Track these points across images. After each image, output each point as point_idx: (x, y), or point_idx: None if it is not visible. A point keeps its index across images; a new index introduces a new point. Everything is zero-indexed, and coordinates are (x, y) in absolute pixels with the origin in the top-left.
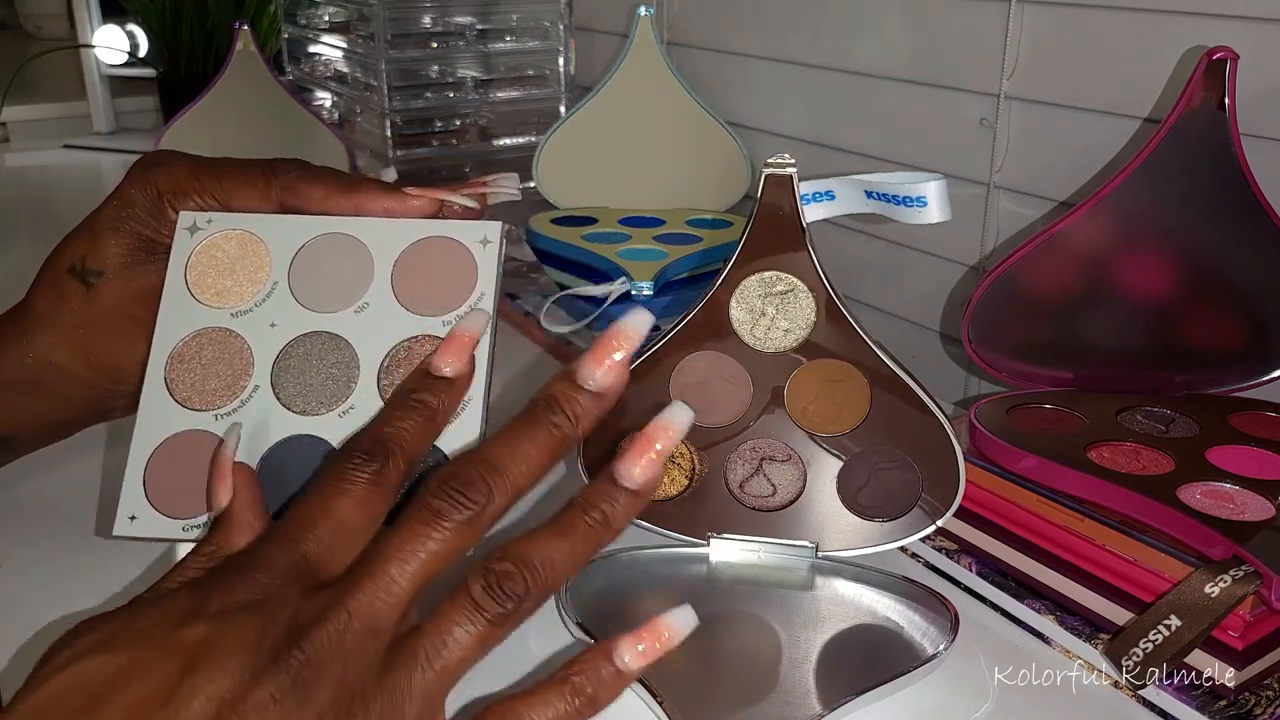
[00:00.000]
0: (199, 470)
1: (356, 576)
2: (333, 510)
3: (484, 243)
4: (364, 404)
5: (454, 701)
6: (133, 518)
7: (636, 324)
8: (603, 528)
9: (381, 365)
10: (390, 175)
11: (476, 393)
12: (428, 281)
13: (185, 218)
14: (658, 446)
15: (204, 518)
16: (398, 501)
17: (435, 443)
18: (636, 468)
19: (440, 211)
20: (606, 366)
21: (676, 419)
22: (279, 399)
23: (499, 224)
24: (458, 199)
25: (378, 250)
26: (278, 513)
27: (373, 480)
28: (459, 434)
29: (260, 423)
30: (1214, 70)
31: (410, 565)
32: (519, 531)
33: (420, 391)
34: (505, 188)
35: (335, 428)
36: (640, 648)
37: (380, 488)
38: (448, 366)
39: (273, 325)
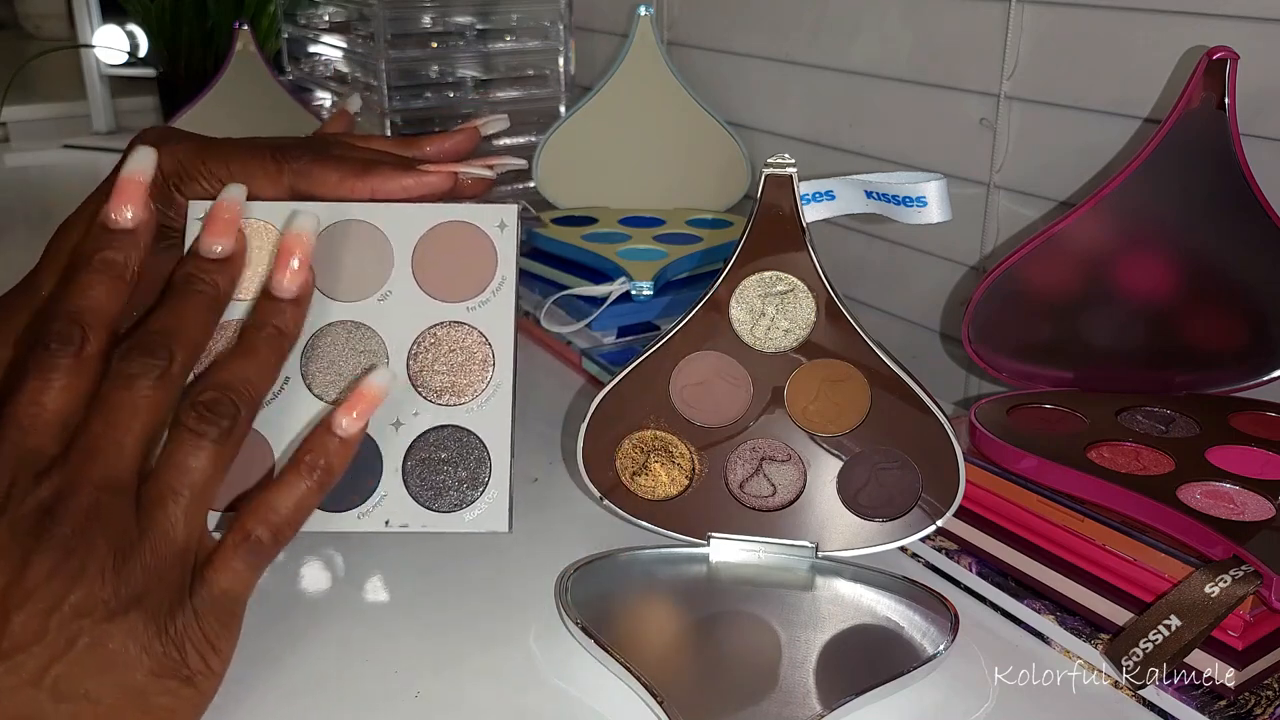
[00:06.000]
0: (237, 461)
1: (84, 450)
2: (43, 407)
3: (501, 227)
4: (395, 392)
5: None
6: None
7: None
8: (280, 338)
9: (410, 352)
10: (355, 104)
11: (505, 376)
12: (448, 267)
13: (196, 207)
14: (296, 257)
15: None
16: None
17: (467, 426)
18: (285, 279)
19: (455, 186)
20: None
21: (303, 227)
22: (310, 390)
23: (514, 207)
24: (473, 170)
25: (395, 236)
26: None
27: (74, 364)
28: (490, 416)
29: (293, 413)
30: (1214, 70)
31: (128, 425)
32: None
33: (103, 250)
34: (511, 158)
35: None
36: (354, 414)
37: (84, 366)
38: (219, 246)
39: None
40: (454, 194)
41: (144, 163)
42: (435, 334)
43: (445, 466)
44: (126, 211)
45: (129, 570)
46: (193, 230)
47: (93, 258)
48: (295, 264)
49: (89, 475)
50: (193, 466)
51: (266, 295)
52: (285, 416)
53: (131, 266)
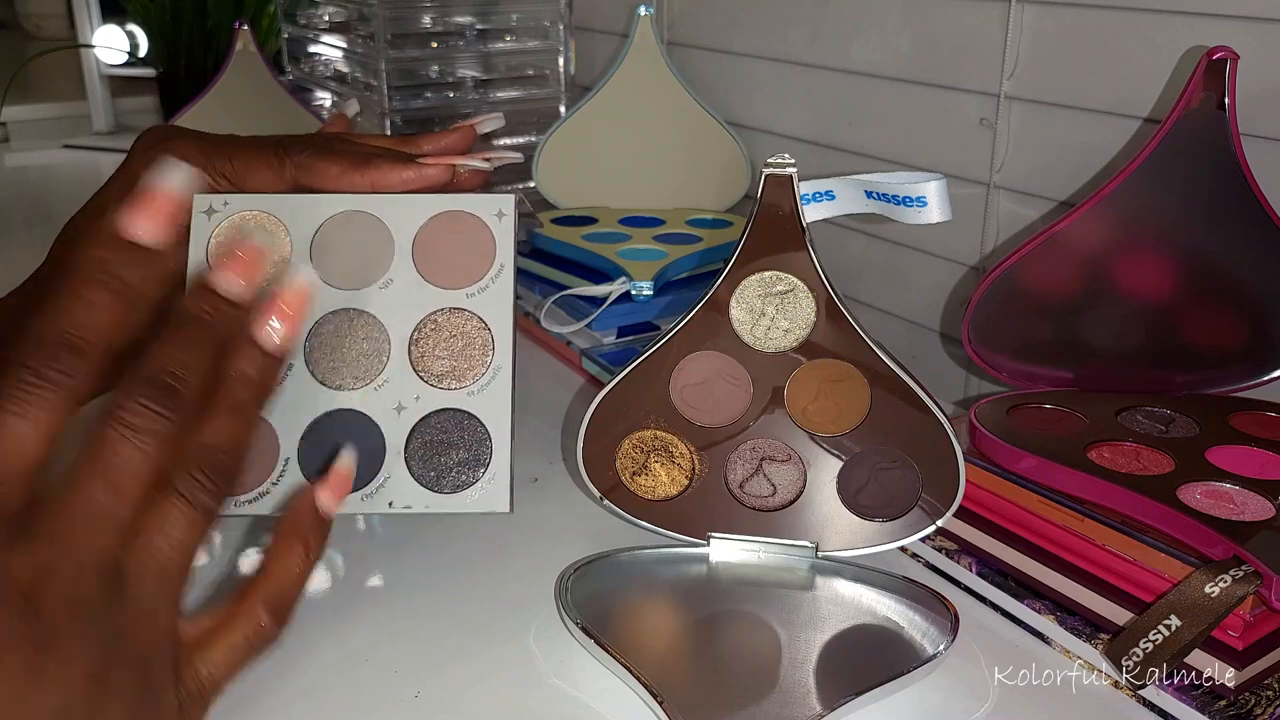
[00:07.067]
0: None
1: (64, 517)
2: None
3: (499, 216)
4: (397, 377)
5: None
6: None
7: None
8: (260, 392)
9: (411, 338)
10: (352, 108)
11: (504, 361)
12: (448, 255)
13: (200, 200)
14: (287, 317)
15: (254, 492)
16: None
17: (468, 409)
18: (270, 333)
19: (453, 178)
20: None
21: (300, 285)
22: (314, 375)
23: (511, 196)
24: (471, 162)
25: (396, 226)
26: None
27: (56, 400)
28: (491, 399)
29: (297, 399)
30: (1214, 70)
31: (129, 493)
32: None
33: (108, 266)
34: (508, 152)
35: (372, 401)
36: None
37: (69, 398)
38: (141, 230)
39: None
40: (452, 186)
41: (173, 178)
42: (436, 320)
43: (447, 449)
44: (146, 227)
45: (116, 668)
46: (198, 223)
47: (97, 271)
48: (278, 324)
49: (68, 550)
50: (178, 539)
51: (249, 342)
52: (289, 401)
53: (136, 282)
